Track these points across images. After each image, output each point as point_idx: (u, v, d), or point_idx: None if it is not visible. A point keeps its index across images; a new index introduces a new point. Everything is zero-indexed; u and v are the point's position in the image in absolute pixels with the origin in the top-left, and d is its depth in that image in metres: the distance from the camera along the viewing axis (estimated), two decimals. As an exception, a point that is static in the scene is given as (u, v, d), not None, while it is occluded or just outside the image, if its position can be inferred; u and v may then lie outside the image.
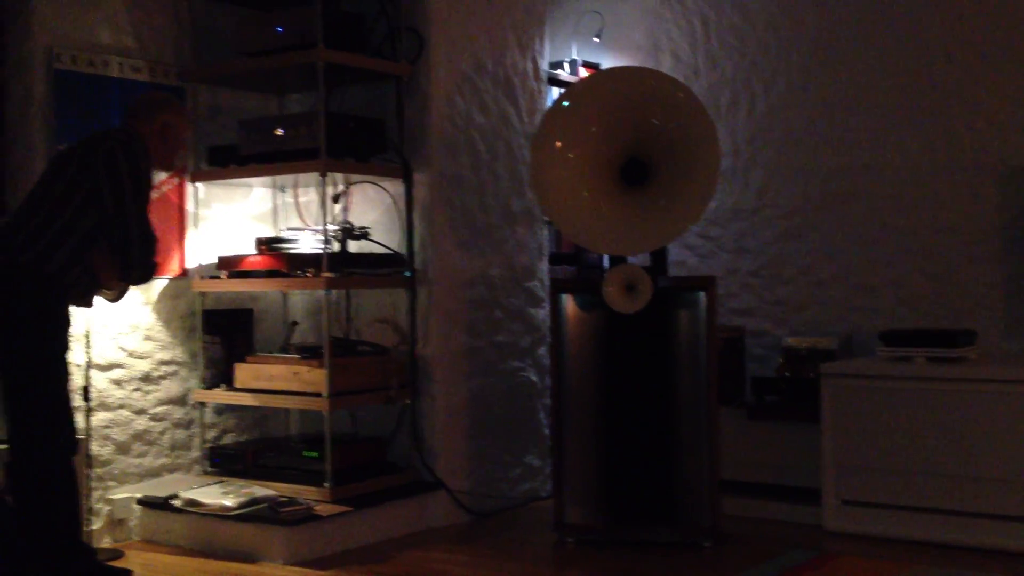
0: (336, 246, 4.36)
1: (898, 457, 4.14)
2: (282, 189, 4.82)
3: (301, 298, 4.83)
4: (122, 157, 3.42)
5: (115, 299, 3.71)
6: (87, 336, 4.02)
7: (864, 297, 4.86)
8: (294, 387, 4.24)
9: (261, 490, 4.14)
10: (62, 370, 3.47)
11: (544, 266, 5.04)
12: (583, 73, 5.40)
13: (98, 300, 3.69)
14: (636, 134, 4.10)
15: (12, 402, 3.38)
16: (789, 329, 4.99)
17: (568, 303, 4.20)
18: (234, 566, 3.86)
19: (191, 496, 4.11)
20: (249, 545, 3.95)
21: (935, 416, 4.09)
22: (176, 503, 4.12)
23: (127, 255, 3.45)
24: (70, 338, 3.50)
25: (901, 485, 4.14)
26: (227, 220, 4.67)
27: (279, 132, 4.26)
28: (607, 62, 5.55)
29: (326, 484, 4.13)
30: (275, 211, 4.86)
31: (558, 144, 4.13)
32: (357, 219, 4.53)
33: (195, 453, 4.51)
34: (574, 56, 5.48)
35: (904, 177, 4.78)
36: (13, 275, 3.35)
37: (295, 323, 4.73)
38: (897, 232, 4.79)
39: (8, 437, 3.40)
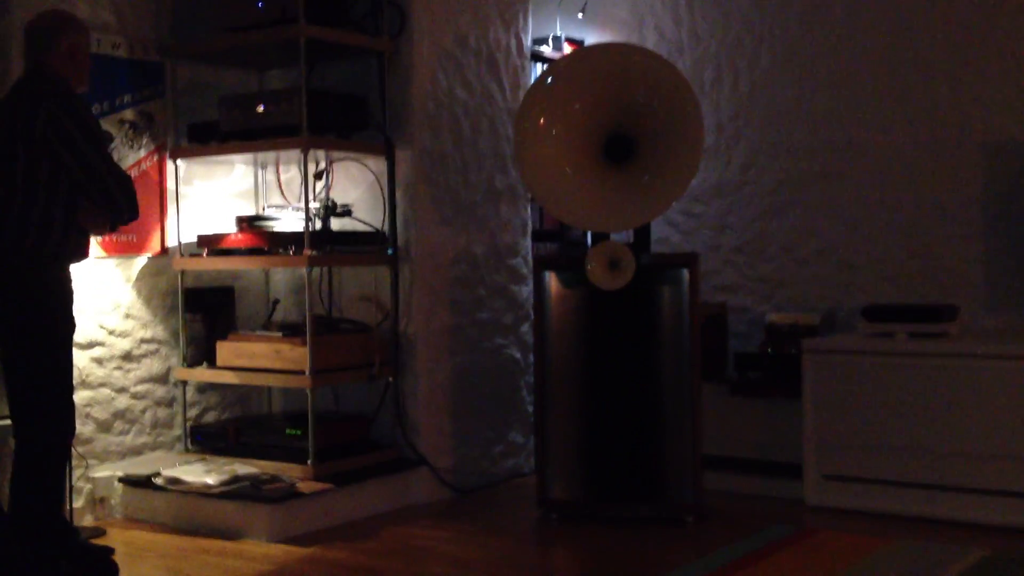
0: (318, 224, 4.34)
1: (879, 432, 4.17)
2: (263, 166, 4.78)
3: (283, 276, 4.81)
4: (66, 118, 3.32)
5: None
6: (67, 314, 3.98)
7: (846, 273, 4.87)
8: (276, 365, 4.23)
9: (244, 468, 4.14)
10: (70, 353, 3.48)
11: (527, 243, 5.03)
12: (567, 49, 5.38)
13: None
14: (619, 111, 4.08)
15: (24, 383, 3.36)
16: (772, 306, 5.01)
17: (551, 280, 4.20)
18: (217, 543, 3.86)
19: (173, 474, 4.10)
20: (232, 523, 3.95)
21: (917, 391, 4.11)
22: (158, 481, 4.12)
23: (113, 205, 3.42)
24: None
25: (882, 460, 4.16)
26: (208, 198, 4.64)
27: (260, 108, 4.23)
28: (591, 38, 5.53)
29: (309, 462, 4.13)
30: (257, 188, 4.83)
31: (541, 121, 4.11)
32: (339, 197, 4.51)
33: (177, 431, 4.50)
34: (558, 32, 5.46)
35: (887, 154, 4.79)
36: (18, 265, 3.32)
37: (277, 301, 4.71)
38: (880, 209, 4.80)
39: (14, 415, 3.39)
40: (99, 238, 3.99)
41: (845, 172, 4.89)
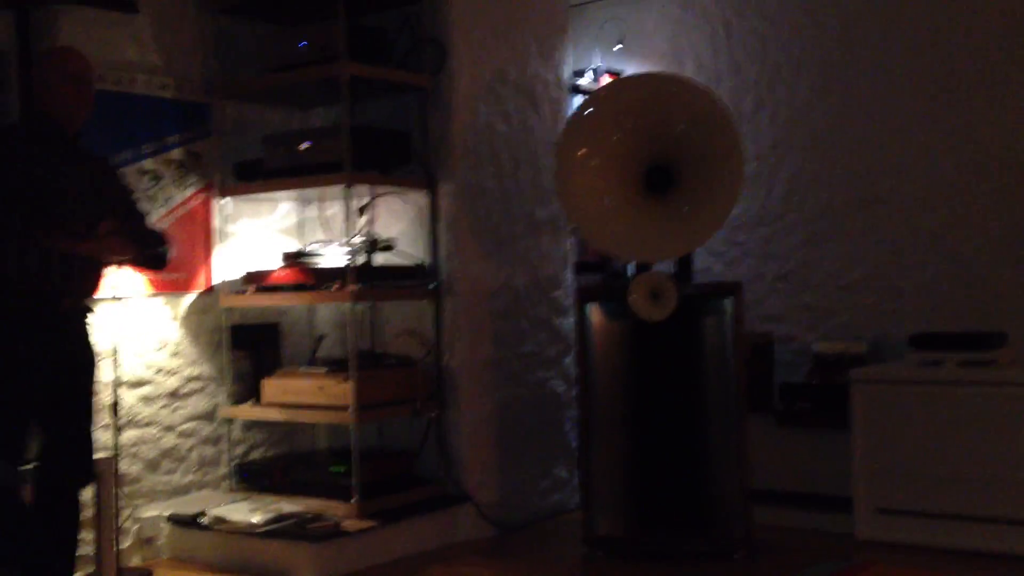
0: (362, 259, 4.36)
1: (930, 463, 4.10)
2: (308, 203, 4.82)
3: (327, 311, 4.83)
4: None
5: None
6: (115, 353, 4.02)
7: (893, 301, 4.80)
8: (321, 401, 4.23)
9: (289, 506, 4.14)
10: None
11: (569, 275, 5.02)
12: (605, 81, 5.39)
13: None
14: (659, 141, 4.07)
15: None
16: (818, 335, 4.95)
17: (594, 312, 4.18)
18: (263, 583, 3.86)
19: (219, 513, 4.11)
20: (277, 561, 3.95)
21: (968, 420, 4.05)
22: (204, 521, 4.12)
23: None
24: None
25: (934, 491, 4.09)
26: (254, 235, 4.68)
27: (304, 146, 4.27)
28: (629, 69, 5.53)
29: (354, 499, 4.12)
30: (301, 225, 4.86)
31: (581, 152, 4.11)
32: (382, 231, 4.53)
33: (223, 469, 4.51)
34: (596, 64, 5.47)
35: (930, 178, 4.74)
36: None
37: (322, 337, 4.73)
38: (925, 235, 4.74)
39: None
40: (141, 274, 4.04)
41: (889, 198, 4.84)
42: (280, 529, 3.99)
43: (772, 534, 4.28)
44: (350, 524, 4.04)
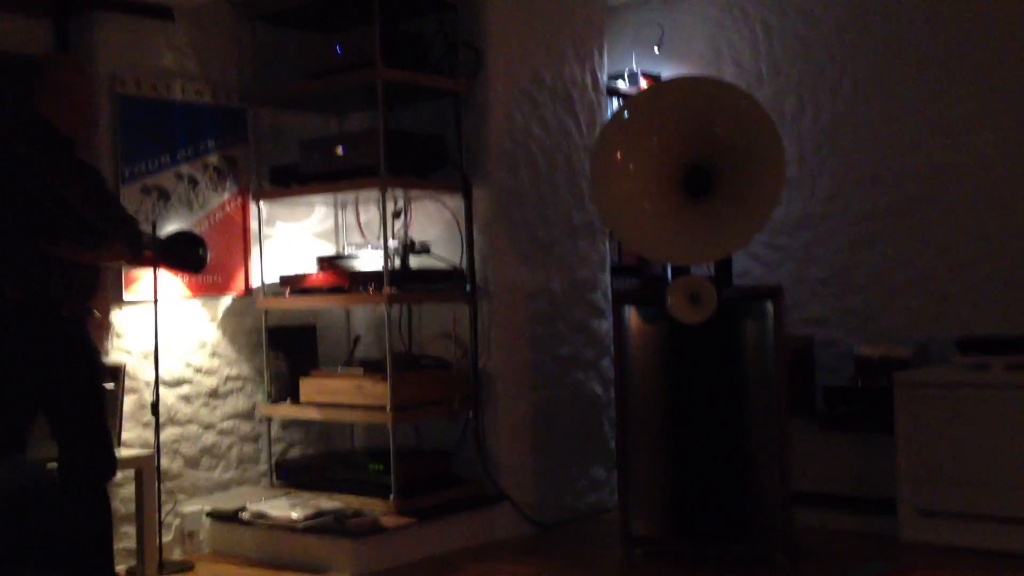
0: (397, 262, 4.38)
1: (976, 466, 4.02)
2: (343, 207, 4.86)
3: (363, 313, 4.86)
4: None
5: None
6: (155, 353, 4.08)
7: (939, 304, 4.71)
8: (358, 401, 4.26)
9: (327, 502, 4.17)
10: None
11: (606, 278, 5.00)
12: (643, 84, 5.37)
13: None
14: (698, 144, 4.04)
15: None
16: (861, 338, 4.87)
17: (631, 315, 4.16)
18: (301, 578, 3.89)
19: (259, 509, 4.15)
20: (316, 557, 3.97)
21: (1014, 424, 3.96)
22: (244, 516, 4.17)
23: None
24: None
25: (979, 495, 4.01)
26: (290, 238, 4.73)
27: (339, 151, 4.30)
28: (667, 72, 5.50)
29: (392, 497, 4.14)
30: (337, 228, 4.90)
31: (618, 156, 4.09)
32: (418, 235, 4.55)
33: (262, 467, 4.56)
34: (634, 67, 5.45)
35: (978, 179, 4.65)
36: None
37: (358, 338, 4.76)
38: (971, 236, 4.65)
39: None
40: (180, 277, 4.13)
41: (934, 200, 4.75)
42: (319, 525, 4.02)
43: (814, 537, 4.23)
44: (388, 521, 4.06)
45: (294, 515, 4.05)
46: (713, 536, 4.03)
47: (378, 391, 4.19)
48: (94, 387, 3.42)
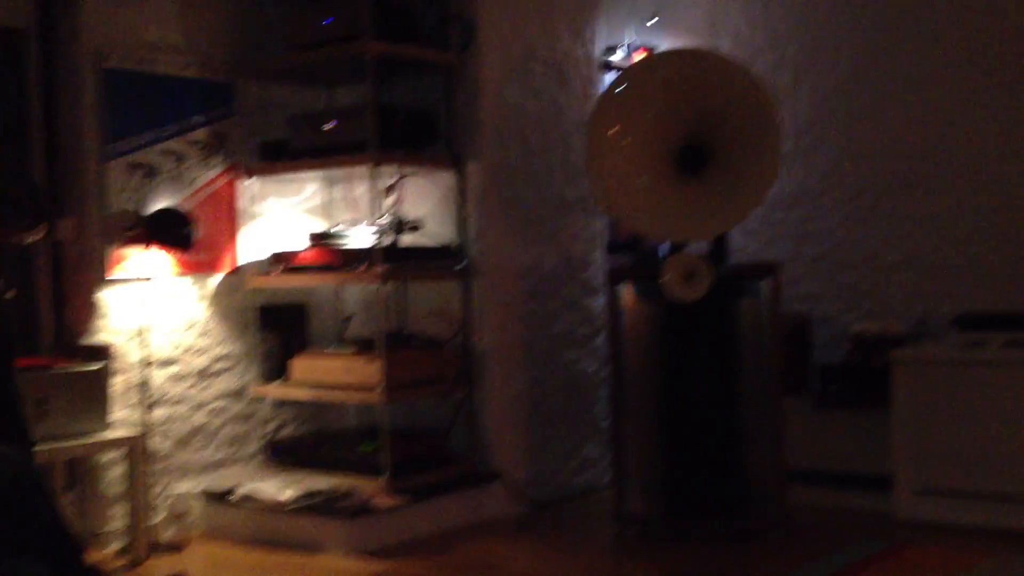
0: (388, 240, 4.31)
1: (973, 443, 4.00)
2: (334, 183, 4.79)
3: (354, 292, 4.80)
4: None
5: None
6: (142, 333, 4.03)
7: (936, 280, 4.68)
8: (349, 381, 4.21)
9: (319, 482, 4.13)
10: None
11: (600, 255, 4.95)
12: (638, 57, 5.28)
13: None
14: (694, 118, 3.98)
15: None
16: (857, 315, 4.83)
17: (625, 292, 4.12)
18: (293, 558, 3.85)
19: (249, 490, 4.11)
20: (309, 537, 3.94)
21: (1012, 401, 3.94)
22: (234, 497, 4.13)
23: None
24: None
25: (976, 472, 3.99)
26: (280, 215, 4.66)
27: (329, 126, 4.23)
28: (664, 45, 5.42)
29: (384, 476, 4.10)
30: (327, 205, 4.83)
31: (613, 130, 4.03)
32: (410, 212, 4.48)
33: (254, 446, 4.51)
34: (629, 39, 5.36)
35: (976, 155, 4.60)
36: None
37: (349, 317, 4.71)
38: (969, 213, 4.61)
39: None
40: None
41: (931, 176, 4.71)
42: (310, 505, 3.98)
43: (810, 514, 4.22)
44: (380, 501, 4.02)
45: (285, 496, 4.01)
46: (706, 514, 4.01)
47: (370, 371, 4.14)
48: (11, 368, 3.18)
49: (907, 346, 4.38)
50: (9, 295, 3.31)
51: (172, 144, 4.25)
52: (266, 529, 4.05)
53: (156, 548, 3.92)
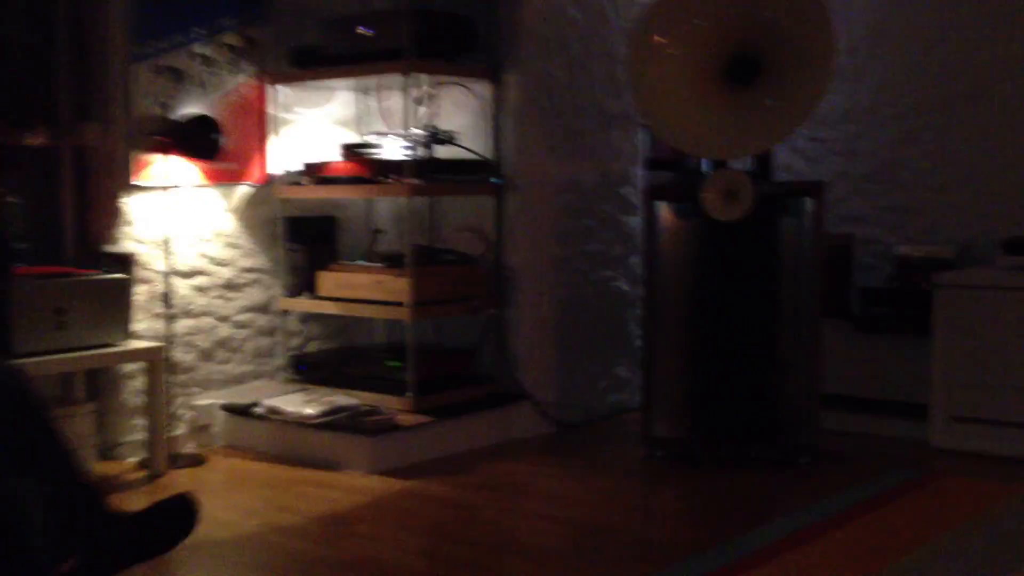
0: (422, 152, 4.19)
1: (1012, 372, 3.88)
2: (367, 92, 4.65)
3: (386, 205, 4.69)
4: None
5: None
6: (167, 242, 3.96)
7: (987, 203, 4.50)
8: (377, 296, 4.13)
9: (344, 399, 4.07)
10: None
11: (639, 172, 4.79)
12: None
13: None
14: (743, 28, 3.79)
15: None
16: (903, 237, 4.67)
17: (663, 210, 3.98)
18: (316, 474, 3.81)
19: (273, 404, 4.06)
20: (331, 453, 3.90)
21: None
22: (257, 411, 4.08)
23: None
24: None
25: (1013, 401, 3.88)
26: (310, 125, 4.54)
27: (361, 31, 4.08)
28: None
29: (409, 394, 4.04)
30: (359, 116, 4.70)
31: (657, 40, 3.85)
32: (445, 123, 4.33)
33: (279, 361, 4.46)
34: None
35: (1035, 74, 4.37)
36: None
37: (378, 230, 4.60)
38: (1021, 134, 4.40)
39: None
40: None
41: (987, 94, 4.49)
42: (334, 422, 3.93)
43: (843, 440, 4.13)
44: (405, 419, 3.97)
45: (308, 411, 3.96)
46: (737, 438, 3.93)
47: (398, 286, 4.05)
48: None
49: (952, 270, 4.23)
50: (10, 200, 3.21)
51: (200, 48, 4.12)
52: (288, 444, 4.01)
53: (177, 461, 3.89)
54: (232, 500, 3.54)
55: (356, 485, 3.68)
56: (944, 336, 4.01)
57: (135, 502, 3.40)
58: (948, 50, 4.58)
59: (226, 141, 4.08)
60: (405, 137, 4.09)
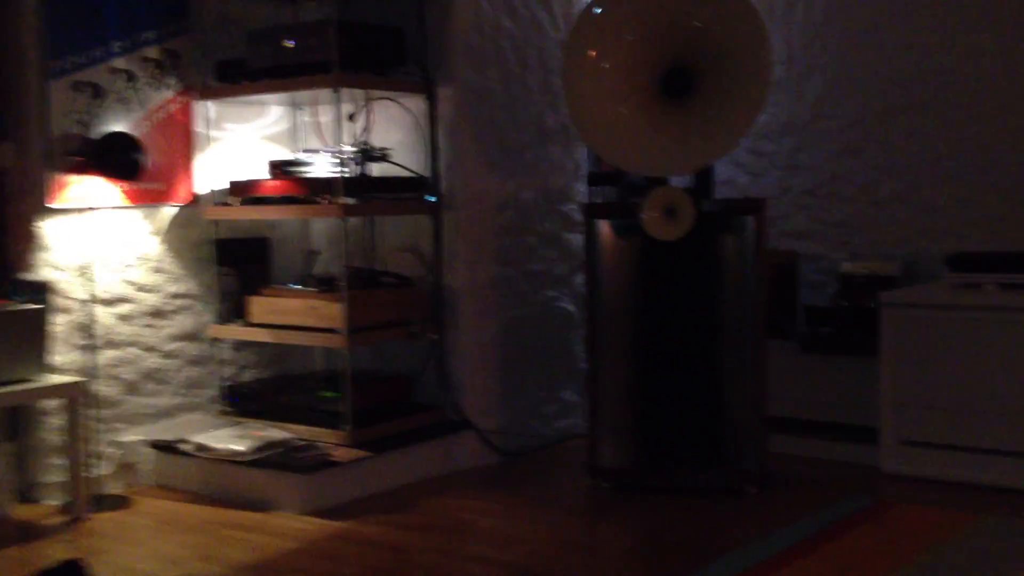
0: (354, 169, 4.03)
1: (964, 394, 3.81)
2: (299, 107, 4.48)
3: (322, 225, 4.53)
4: None
5: None
6: (87, 268, 3.76)
7: (930, 217, 4.44)
8: (310, 322, 3.96)
9: (277, 433, 3.91)
10: None
11: (581, 188, 4.68)
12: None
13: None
14: (678, 40, 3.71)
15: None
16: (847, 253, 4.61)
17: (604, 229, 3.87)
18: (246, 516, 3.64)
19: (201, 440, 3.88)
20: (263, 492, 3.73)
21: (1007, 349, 3.74)
22: (185, 448, 3.90)
23: None
24: None
25: (968, 425, 3.80)
26: (241, 142, 4.36)
27: (288, 43, 3.91)
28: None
29: (346, 427, 3.88)
30: (294, 132, 4.53)
31: (591, 53, 3.75)
32: (380, 140, 4.19)
33: (212, 392, 4.27)
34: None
35: (976, 85, 4.33)
36: None
37: (314, 252, 4.44)
38: (967, 145, 4.35)
39: None
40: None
41: (929, 105, 4.44)
42: (265, 459, 3.76)
43: (791, 465, 4.06)
44: (341, 453, 3.81)
45: (238, 448, 3.78)
46: (684, 465, 3.83)
47: (332, 311, 3.89)
48: None
49: (897, 288, 4.17)
50: None
51: (120, 62, 3.93)
52: (220, 482, 3.83)
53: (100, 503, 3.69)
54: (154, 547, 3.36)
55: (287, 528, 3.51)
56: (891, 357, 3.94)
57: (52, 550, 3.23)
58: (888, 60, 4.53)
59: (148, 160, 3.89)
60: (336, 154, 3.94)
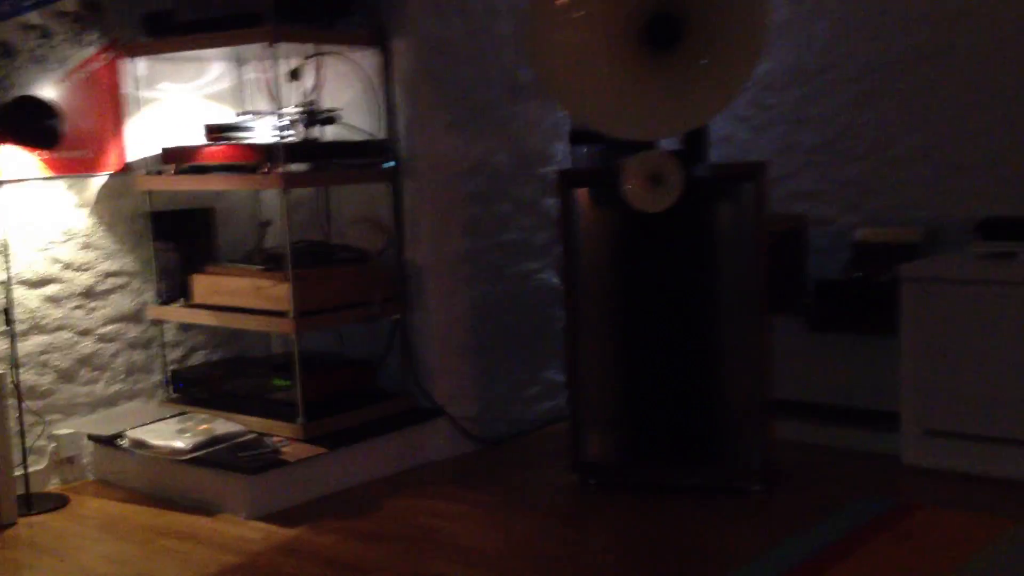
0: (301, 133, 3.60)
1: (995, 379, 3.44)
2: (243, 63, 4.05)
3: (274, 194, 4.10)
4: None
5: None
6: (5, 246, 3.37)
7: (954, 177, 4.06)
8: (258, 304, 3.59)
9: (224, 426, 3.54)
10: None
11: (562, 148, 4.23)
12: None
13: None
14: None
15: None
16: (861, 216, 4.19)
17: (582, 198, 3.44)
18: (189, 520, 3.31)
19: (140, 436, 3.52)
20: (208, 493, 3.39)
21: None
22: (123, 443, 3.53)
23: None
24: None
25: (998, 414, 3.44)
26: (179, 103, 3.94)
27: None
28: None
29: (299, 420, 3.50)
30: (239, 91, 4.10)
31: (561, 1, 3.26)
32: (330, 100, 3.77)
33: (157, 377, 3.92)
34: None
35: (1007, 27, 3.92)
36: None
37: (266, 223, 4.02)
38: (996, 95, 3.96)
39: None
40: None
41: (953, 51, 4.05)
42: (208, 456, 3.39)
43: (799, 456, 3.69)
44: (293, 450, 3.43)
45: (179, 444, 3.43)
46: (678, 460, 3.45)
47: (280, 293, 3.50)
48: None
49: (919, 258, 3.80)
50: None
51: (33, 17, 3.55)
52: (163, 480, 3.51)
53: (34, 504, 3.39)
54: (81, 562, 3.03)
55: (229, 537, 3.16)
56: (913, 337, 3.56)
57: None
58: (904, 1, 4.07)
59: (65, 125, 3.49)
60: (279, 117, 3.51)
